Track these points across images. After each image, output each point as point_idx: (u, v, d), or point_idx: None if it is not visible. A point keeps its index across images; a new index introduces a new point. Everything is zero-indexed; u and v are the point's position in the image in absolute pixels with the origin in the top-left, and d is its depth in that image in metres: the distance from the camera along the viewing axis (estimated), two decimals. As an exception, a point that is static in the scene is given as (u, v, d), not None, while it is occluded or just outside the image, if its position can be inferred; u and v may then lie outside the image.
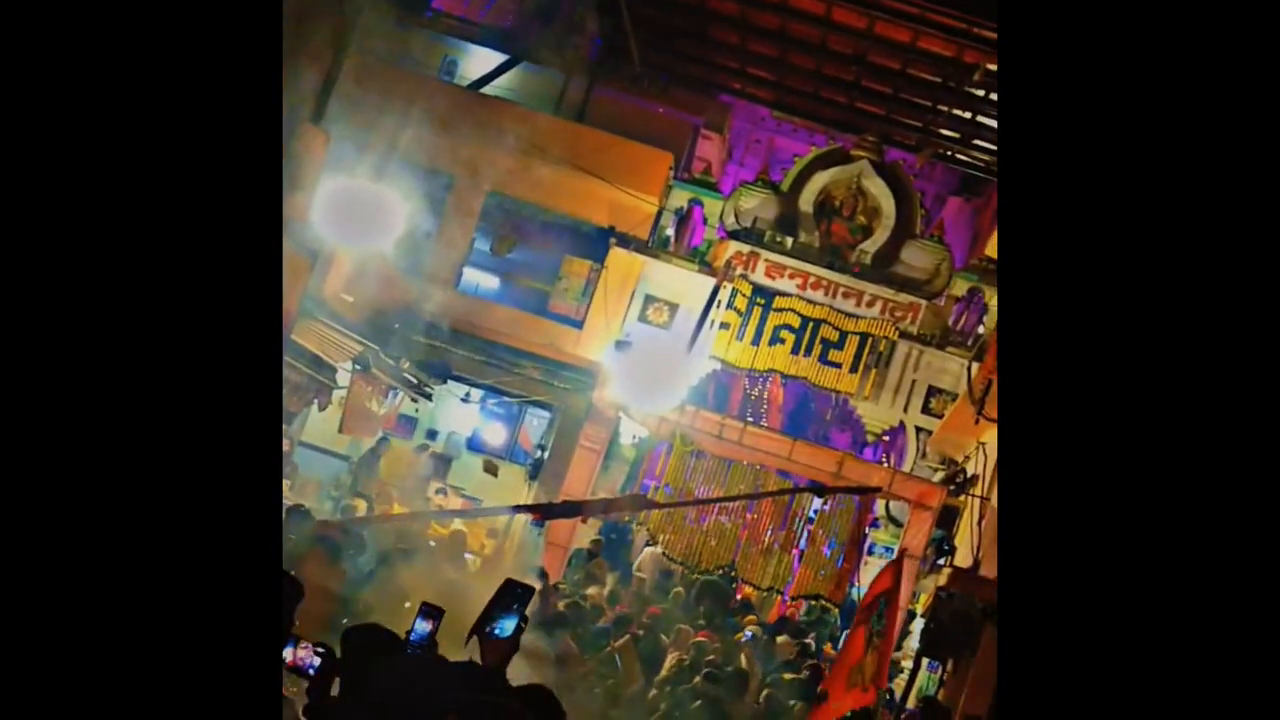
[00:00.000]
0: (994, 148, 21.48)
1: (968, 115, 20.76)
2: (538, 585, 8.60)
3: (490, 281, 19.96)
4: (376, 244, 16.22)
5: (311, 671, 5.24)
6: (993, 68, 18.97)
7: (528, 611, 5.34)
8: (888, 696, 14.45)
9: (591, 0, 20.54)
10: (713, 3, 19.65)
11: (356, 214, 15.86)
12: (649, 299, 18.85)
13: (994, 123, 20.62)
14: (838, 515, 17.79)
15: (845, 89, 21.17)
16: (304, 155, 15.70)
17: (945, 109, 20.79)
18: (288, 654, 5.21)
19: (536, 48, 19.85)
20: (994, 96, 19.70)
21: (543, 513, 15.45)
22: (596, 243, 19.18)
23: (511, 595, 5.23)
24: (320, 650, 5.26)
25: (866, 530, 18.20)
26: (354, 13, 16.55)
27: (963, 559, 15.44)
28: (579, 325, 18.74)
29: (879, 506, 18.47)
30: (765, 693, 12.35)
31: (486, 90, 20.27)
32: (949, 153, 22.52)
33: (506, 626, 5.18)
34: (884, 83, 20.55)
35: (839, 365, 18.93)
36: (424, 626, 5.32)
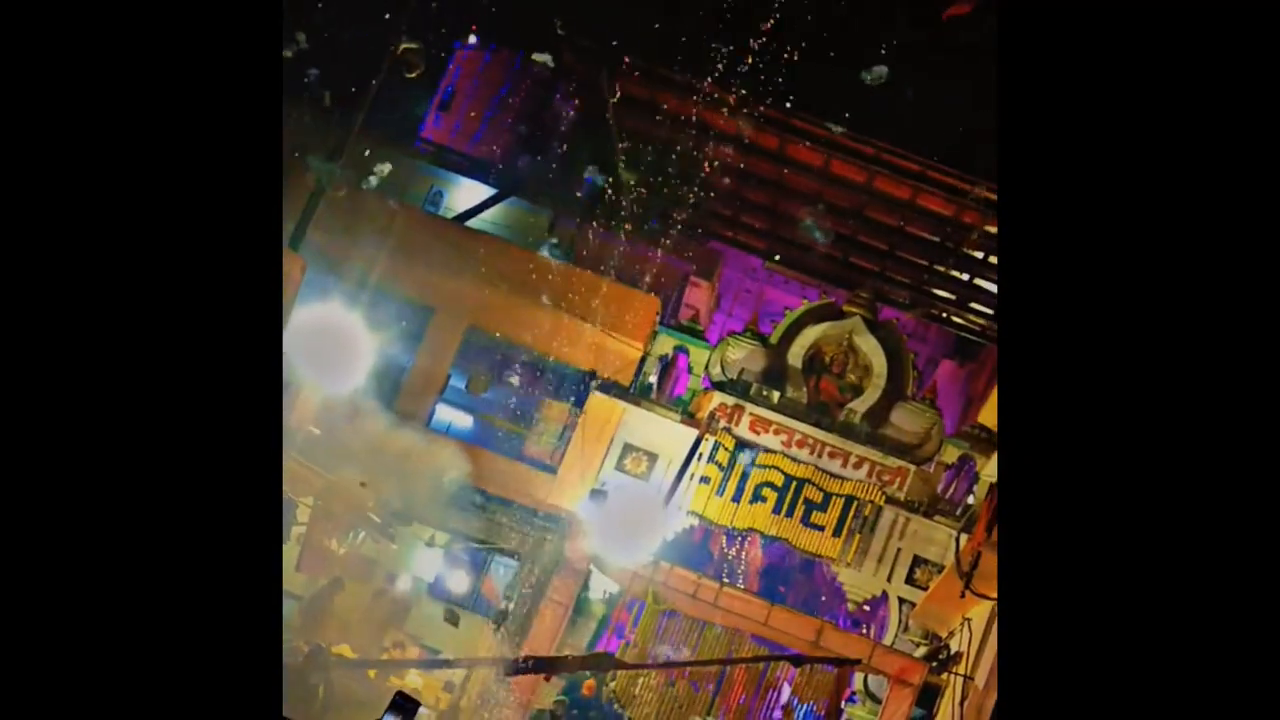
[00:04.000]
0: (990, 311, 21.85)
1: (964, 277, 21.24)
2: None
3: (464, 420, 20.08)
4: (349, 376, 16.27)
5: None
6: (991, 229, 19.47)
7: None
8: None
9: (584, 139, 21.02)
10: (711, 149, 20.09)
11: (330, 345, 15.93)
12: (628, 447, 18.90)
13: (991, 286, 21.08)
14: (814, 687, 17.74)
15: (840, 243, 21.56)
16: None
17: (941, 269, 21.25)
18: None
19: (525, 183, 20.23)
20: (992, 259, 20.19)
21: (505, 669, 15.30)
22: (576, 386, 19.27)
23: None
24: None
25: (843, 705, 18.07)
26: (341, 138, 16.91)
27: (945, 741, 15.40)
28: (553, 471, 18.75)
29: (857, 680, 18.31)
30: None
31: (473, 223, 20.56)
32: (943, 314, 22.94)
33: None
34: (880, 238, 21.08)
35: (822, 528, 18.91)
36: None
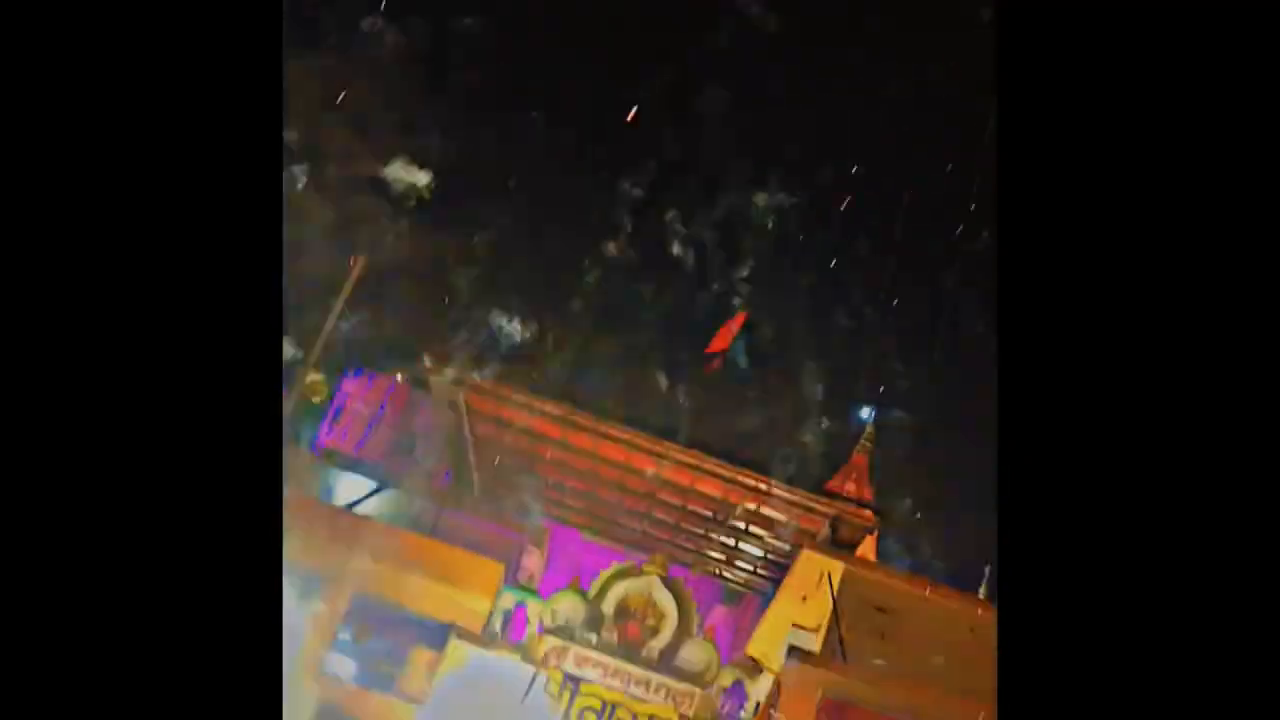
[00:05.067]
0: (747, 571, 22.22)
1: (731, 542, 21.64)
2: None
3: (349, 666, 19.30)
4: None
5: None
6: (751, 506, 20.10)
7: None
8: None
9: (443, 440, 21.21)
10: (541, 449, 20.54)
11: None
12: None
13: (753, 547, 21.64)
14: None
15: (640, 519, 22.05)
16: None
17: (715, 537, 21.68)
18: None
19: (400, 478, 20.37)
20: (755, 530, 20.73)
21: None
22: (438, 634, 18.81)
23: None
24: None
25: None
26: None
27: None
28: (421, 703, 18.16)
29: None
30: None
31: (359, 509, 20.30)
32: (716, 570, 23.24)
33: None
34: (669, 517, 21.55)
35: None
36: None
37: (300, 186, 18.30)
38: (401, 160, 19.75)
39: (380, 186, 19.74)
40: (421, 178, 19.69)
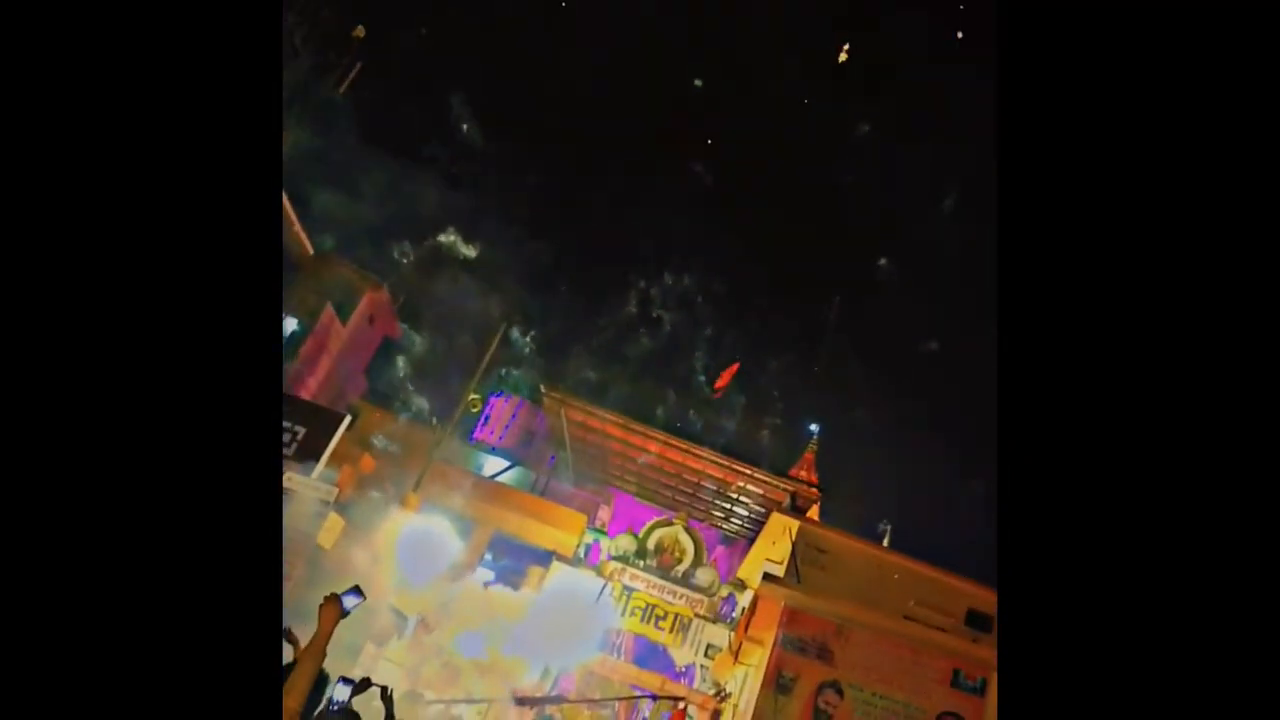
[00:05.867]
0: (738, 524, 22.41)
1: (728, 506, 21.96)
2: None
3: (489, 575, 19.89)
4: (433, 565, 17.25)
5: None
6: (741, 484, 20.11)
7: None
8: None
9: (547, 437, 22.16)
10: (612, 444, 21.10)
11: (424, 548, 17.09)
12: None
13: (742, 509, 21.59)
14: (661, 710, 18.54)
15: (671, 490, 21.65)
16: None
17: (718, 502, 21.99)
18: None
19: (524, 460, 21.87)
20: (743, 499, 20.96)
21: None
22: (544, 558, 19.35)
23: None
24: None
25: (678, 720, 18.03)
26: (440, 436, 18.50)
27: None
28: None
29: (684, 705, 18.12)
30: None
31: (498, 479, 21.62)
32: (718, 524, 23.31)
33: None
34: (689, 489, 21.89)
35: (664, 630, 18.95)
36: (342, 692, 3.25)
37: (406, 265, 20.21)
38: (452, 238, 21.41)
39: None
40: (469, 251, 21.25)
